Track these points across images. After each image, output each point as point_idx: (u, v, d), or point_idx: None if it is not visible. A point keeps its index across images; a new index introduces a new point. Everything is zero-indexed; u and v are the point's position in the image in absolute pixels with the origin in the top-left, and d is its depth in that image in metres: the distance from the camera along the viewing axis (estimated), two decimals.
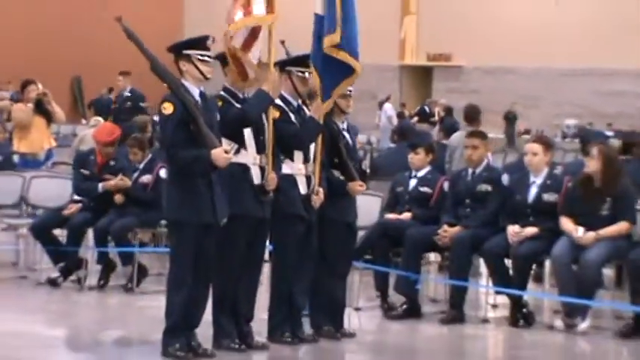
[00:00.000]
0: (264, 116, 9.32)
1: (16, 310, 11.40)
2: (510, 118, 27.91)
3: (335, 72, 9.73)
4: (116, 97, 19.16)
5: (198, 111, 8.82)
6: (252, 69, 9.35)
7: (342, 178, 10.07)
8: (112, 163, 12.80)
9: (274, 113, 9.42)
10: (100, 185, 12.43)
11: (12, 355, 9.25)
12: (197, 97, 8.94)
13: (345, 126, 10.24)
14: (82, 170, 12.92)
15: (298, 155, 9.65)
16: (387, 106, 30.73)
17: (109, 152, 12.80)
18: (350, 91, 10.10)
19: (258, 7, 9.39)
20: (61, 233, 12.69)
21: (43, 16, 33.35)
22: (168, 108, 8.86)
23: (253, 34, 9.40)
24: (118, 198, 12.41)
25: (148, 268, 12.60)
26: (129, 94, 19.74)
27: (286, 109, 9.60)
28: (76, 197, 12.67)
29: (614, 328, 10.76)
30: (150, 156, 12.66)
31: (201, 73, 9.02)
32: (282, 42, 9.64)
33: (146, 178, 12.58)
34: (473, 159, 11.64)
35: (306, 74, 9.73)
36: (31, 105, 16.06)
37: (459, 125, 16.81)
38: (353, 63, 9.74)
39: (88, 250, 12.58)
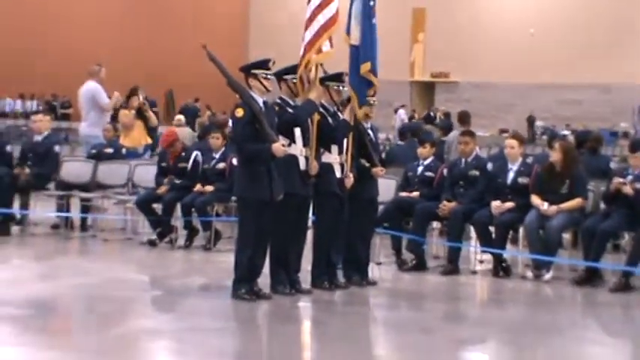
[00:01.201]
0: (309, 119, 9.33)
1: (124, 263, 11.46)
2: (531, 122, 27.68)
3: (364, 87, 9.79)
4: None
5: (262, 115, 8.83)
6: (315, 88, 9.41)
7: (367, 165, 10.05)
8: (183, 154, 12.84)
9: (316, 117, 9.41)
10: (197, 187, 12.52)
11: (119, 295, 9.30)
12: (261, 105, 8.94)
13: (369, 126, 10.21)
14: (161, 164, 12.97)
15: (334, 148, 9.63)
16: (401, 111, 30.66)
17: (174, 150, 12.85)
18: (374, 101, 10.08)
19: (326, 48, 9.55)
20: (157, 207, 12.73)
21: (142, 44, 33.47)
22: (239, 112, 8.88)
23: None
24: (198, 187, 12.47)
25: (222, 233, 12.62)
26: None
27: (325, 113, 9.58)
28: (165, 180, 12.71)
29: (571, 277, 10.70)
30: (223, 148, 12.65)
31: (265, 87, 9.04)
32: (321, 64, 9.63)
33: (222, 165, 12.59)
34: (465, 151, 11.59)
35: (340, 87, 9.71)
36: (133, 111, 16.08)
37: (453, 126, 16.68)
38: (375, 81, 9.81)
39: (178, 219, 12.61)
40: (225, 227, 12.97)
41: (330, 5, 9.53)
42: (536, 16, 35.25)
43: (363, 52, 9.80)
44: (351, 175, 9.64)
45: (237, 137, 9.16)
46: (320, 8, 9.53)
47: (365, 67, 9.77)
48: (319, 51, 9.49)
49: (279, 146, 8.76)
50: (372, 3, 9.84)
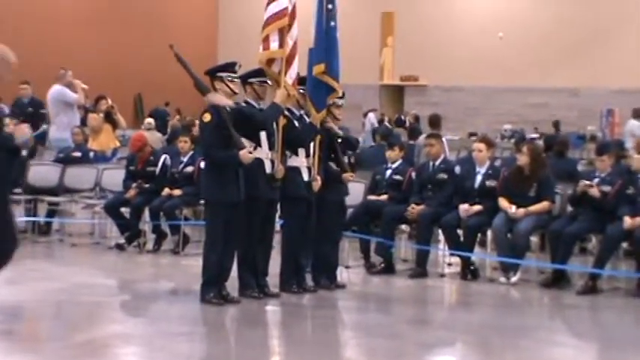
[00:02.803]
0: (274, 123, 9.32)
1: (91, 268, 11.41)
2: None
3: (323, 91, 9.75)
4: (15, 103, 17.70)
5: (229, 119, 8.81)
6: (289, 88, 9.39)
7: (336, 168, 10.07)
8: (151, 158, 12.83)
9: (283, 121, 9.41)
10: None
11: (87, 300, 9.26)
12: (228, 107, 8.95)
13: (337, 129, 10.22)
14: (130, 168, 12.94)
15: (301, 151, 9.63)
16: (371, 115, 30.61)
17: (143, 154, 12.83)
18: (341, 104, 10.09)
19: (274, 45, 9.44)
20: (125, 211, 12.69)
21: (113, 46, 33.27)
22: (207, 117, 8.88)
23: (288, 62, 9.46)
24: (166, 191, 12.45)
25: (190, 237, 12.60)
26: (29, 101, 18.38)
27: (291, 117, 9.59)
28: (134, 184, 12.68)
29: (538, 280, 10.76)
30: (192, 152, 12.63)
31: (231, 89, 9.03)
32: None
33: (190, 169, 12.57)
34: (431, 153, 11.64)
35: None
36: (101, 115, 16.03)
37: (421, 130, 16.76)
38: (334, 84, 9.77)
39: (146, 223, 12.57)
40: (193, 231, 12.95)
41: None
42: (505, 20, 35.37)
43: (316, 53, 9.77)
44: (318, 178, 9.65)
45: (204, 142, 9.16)
46: (271, 0, 9.54)
47: (318, 69, 9.69)
48: (267, 47, 9.49)
49: (247, 153, 8.75)
50: (330, 6, 9.82)
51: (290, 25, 9.56)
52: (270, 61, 9.51)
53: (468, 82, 36.03)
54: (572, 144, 19.36)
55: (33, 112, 17.24)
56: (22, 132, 7.91)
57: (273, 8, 9.52)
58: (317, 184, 9.63)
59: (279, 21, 9.50)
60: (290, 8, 9.56)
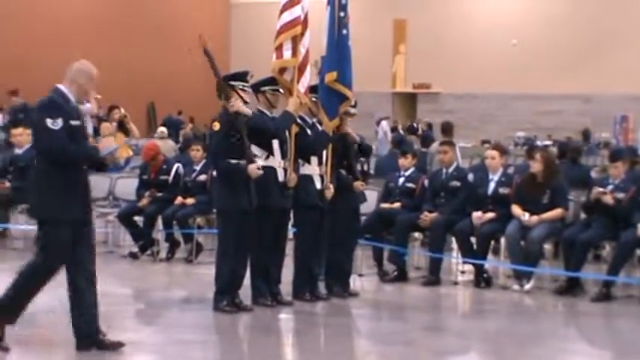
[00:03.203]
0: (287, 131, 9.32)
1: (105, 276, 11.32)
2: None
3: (335, 99, 9.75)
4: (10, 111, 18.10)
5: (244, 129, 8.80)
6: (301, 96, 9.40)
7: (349, 176, 10.06)
8: (164, 167, 12.85)
9: (295, 129, 9.41)
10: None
11: (101, 308, 9.23)
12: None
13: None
14: (143, 177, 12.97)
15: (314, 159, 9.63)
16: (384, 122, 30.59)
17: (156, 163, 12.84)
18: (354, 112, 10.08)
19: (287, 53, 9.46)
20: (139, 219, 12.72)
21: (127, 55, 33.37)
22: (216, 126, 8.89)
23: (300, 70, 9.47)
24: (179, 200, 12.48)
25: (203, 245, 12.62)
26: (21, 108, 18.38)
27: (304, 125, 9.59)
28: (147, 193, 12.70)
29: (552, 288, 10.73)
30: (204, 161, 12.65)
31: (242, 98, 9.03)
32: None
33: (203, 177, 12.60)
34: (444, 161, 11.63)
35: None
36: (114, 124, 16.07)
37: (434, 137, 16.73)
38: (347, 92, 9.76)
39: (159, 232, 12.60)
40: (206, 239, 12.97)
41: (294, 8, 9.55)
42: (518, 27, 35.34)
43: (328, 61, 9.78)
44: (331, 186, 9.65)
45: (212, 151, 9.19)
46: (285, 9, 9.55)
47: (330, 77, 9.70)
48: (280, 56, 9.50)
49: (255, 169, 8.75)
50: (342, 14, 9.82)
51: (302, 34, 9.57)
52: (282, 70, 9.52)
53: (481, 90, 36.01)
54: (585, 151, 19.30)
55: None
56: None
57: (287, 17, 9.53)
58: (330, 192, 9.63)
59: (292, 29, 9.51)
60: (303, 17, 9.57)
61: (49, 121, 6.93)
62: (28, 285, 7.25)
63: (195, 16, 37.73)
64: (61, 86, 7.22)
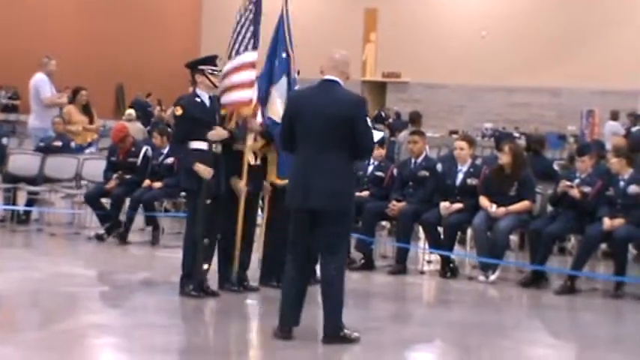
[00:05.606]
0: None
1: (71, 258, 11.37)
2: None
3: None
4: None
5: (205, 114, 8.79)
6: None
7: None
8: (133, 149, 12.79)
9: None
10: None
11: (65, 290, 9.22)
12: (207, 101, 8.90)
13: None
14: (111, 159, 12.89)
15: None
16: None
17: (125, 145, 12.77)
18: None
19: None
20: (106, 201, 12.65)
21: (96, 36, 33.16)
22: (178, 110, 8.88)
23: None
24: (146, 183, 12.43)
25: (164, 229, 12.57)
26: None
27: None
28: (115, 175, 12.64)
29: (517, 279, 10.78)
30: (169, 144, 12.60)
31: (212, 82, 9.00)
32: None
33: (170, 160, 12.55)
34: (414, 151, 11.65)
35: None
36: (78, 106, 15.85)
37: (406, 125, 16.74)
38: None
39: (124, 214, 12.54)
40: (173, 223, 12.92)
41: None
42: (488, 19, 35.40)
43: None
44: None
45: (174, 135, 9.19)
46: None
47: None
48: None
49: (205, 169, 8.72)
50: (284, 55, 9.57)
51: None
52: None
53: (450, 80, 36.07)
54: (552, 144, 19.38)
55: None
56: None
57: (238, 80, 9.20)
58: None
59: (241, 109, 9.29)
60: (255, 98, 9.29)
61: None
62: None
63: None
64: None
